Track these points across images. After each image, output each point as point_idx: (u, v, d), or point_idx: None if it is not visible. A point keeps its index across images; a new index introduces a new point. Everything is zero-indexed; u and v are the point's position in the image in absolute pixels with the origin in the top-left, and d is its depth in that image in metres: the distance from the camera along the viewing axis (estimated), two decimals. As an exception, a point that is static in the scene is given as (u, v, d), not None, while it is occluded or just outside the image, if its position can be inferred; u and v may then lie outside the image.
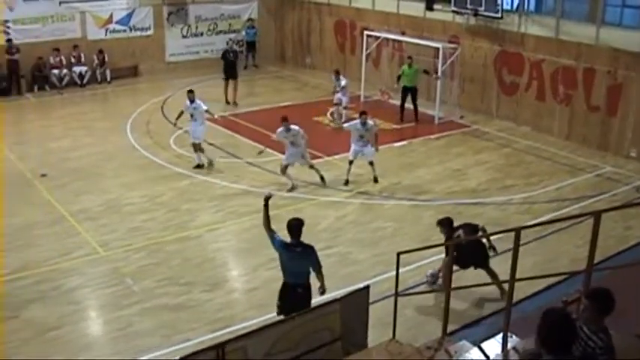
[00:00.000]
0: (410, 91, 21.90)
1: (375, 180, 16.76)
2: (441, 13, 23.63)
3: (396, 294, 10.02)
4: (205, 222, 14.75)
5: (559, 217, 13.53)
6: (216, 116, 19.02)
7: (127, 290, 11.98)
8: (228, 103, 24.12)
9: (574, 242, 13.01)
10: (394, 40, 24.75)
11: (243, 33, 30.07)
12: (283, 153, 16.51)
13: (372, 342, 9.28)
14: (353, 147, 16.66)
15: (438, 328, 9.32)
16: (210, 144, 19.28)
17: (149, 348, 10.24)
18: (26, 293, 11.77)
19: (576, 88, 19.98)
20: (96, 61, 26.76)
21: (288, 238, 9.40)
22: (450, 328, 9.49)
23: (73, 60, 26.40)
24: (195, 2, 29.13)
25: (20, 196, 15.93)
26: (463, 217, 12.36)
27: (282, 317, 8.96)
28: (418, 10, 24.42)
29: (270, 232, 9.56)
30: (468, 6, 21.99)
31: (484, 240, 11.33)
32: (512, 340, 7.96)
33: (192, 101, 17.70)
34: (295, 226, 9.32)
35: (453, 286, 9.51)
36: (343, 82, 21.82)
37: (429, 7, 23.97)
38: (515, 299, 8.34)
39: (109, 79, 27.05)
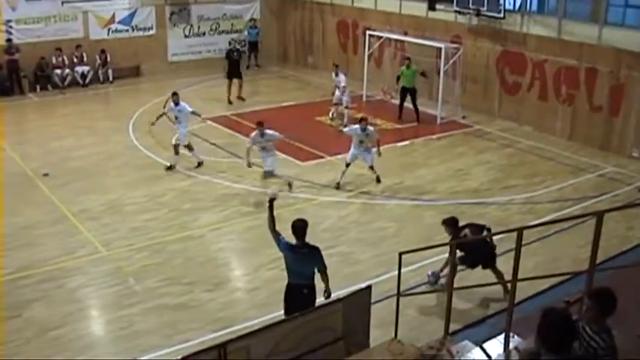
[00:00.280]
0: (409, 92, 21.91)
1: (378, 180, 16.74)
2: (444, 13, 23.62)
3: (398, 294, 10.02)
4: (207, 222, 14.75)
5: (561, 217, 13.50)
6: (202, 117, 18.89)
7: (129, 290, 11.99)
8: (230, 103, 24.14)
9: (576, 242, 12.99)
10: (396, 40, 24.76)
11: (246, 33, 30.06)
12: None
13: (373, 342, 9.27)
14: (352, 151, 16.62)
15: (440, 328, 9.32)
16: (213, 144, 19.30)
17: (151, 348, 10.23)
18: (28, 292, 11.77)
19: (579, 88, 19.96)
20: (98, 61, 26.80)
21: (292, 239, 9.39)
22: (452, 328, 9.49)
23: (75, 60, 26.43)
24: (197, 2, 29.13)
25: (22, 195, 15.94)
26: (465, 217, 12.34)
27: (284, 317, 8.96)
28: (420, 10, 24.41)
29: (276, 234, 9.49)
30: (471, 6, 21.98)
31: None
32: (515, 341, 7.96)
33: (176, 104, 17.59)
34: (300, 227, 9.29)
35: (454, 286, 9.50)
36: (343, 79, 21.80)
37: (432, 7, 23.96)
38: (517, 299, 8.33)
39: (111, 78, 27.07)
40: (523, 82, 21.63)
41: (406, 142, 20.26)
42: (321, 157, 18.52)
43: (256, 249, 13.19)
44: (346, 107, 21.72)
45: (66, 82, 26.15)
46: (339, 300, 8.75)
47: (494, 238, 11.24)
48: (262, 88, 27.19)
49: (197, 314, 11.19)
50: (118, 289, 11.97)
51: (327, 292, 9.56)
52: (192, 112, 17.86)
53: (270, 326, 8.10)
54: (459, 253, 10.94)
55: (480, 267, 11.41)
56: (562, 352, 5.17)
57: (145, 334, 10.61)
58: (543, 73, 20.93)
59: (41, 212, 15.05)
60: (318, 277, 9.52)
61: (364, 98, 24.37)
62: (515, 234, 7.82)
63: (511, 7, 21.83)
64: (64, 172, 17.38)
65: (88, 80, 26.61)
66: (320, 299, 9.51)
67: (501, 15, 21.35)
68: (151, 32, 28.44)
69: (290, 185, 16.24)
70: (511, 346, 7.92)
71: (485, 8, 21.58)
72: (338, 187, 16.46)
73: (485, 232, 11.36)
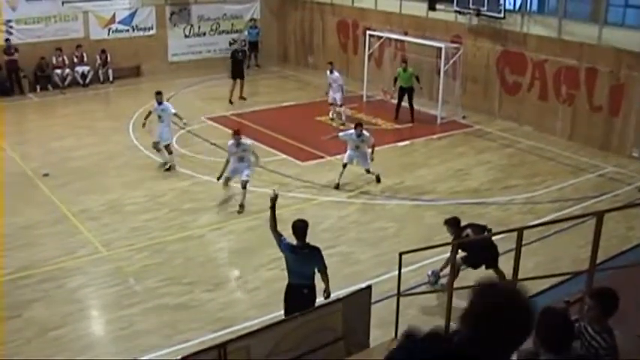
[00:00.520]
0: (406, 91, 21.94)
1: (378, 180, 16.74)
2: (444, 13, 23.62)
3: (398, 294, 10.03)
4: (207, 222, 14.75)
5: (561, 217, 13.50)
6: (184, 121, 18.53)
7: (129, 290, 12.00)
8: (231, 103, 24.14)
9: (576, 242, 12.99)
10: (397, 40, 24.76)
11: (246, 33, 30.05)
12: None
13: (374, 342, 9.29)
14: (349, 152, 16.61)
15: (441, 328, 9.30)
16: (213, 144, 19.29)
17: (151, 348, 10.24)
18: (28, 292, 11.78)
19: (579, 88, 19.96)
20: (98, 61, 26.79)
21: (293, 240, 9.39)
22: (453, 327, 9.49)
23: (75, 60, 26.42)
24: (197, 2, 29.13)
25: (23, 195, 15.94)
26: (466, 217, 12.34)
27: (284, 317, 8.97)
28: (421, 10, 24.41)
29: (277, 235, 9.51)
30: (471, 6, 21.98)
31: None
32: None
33: (159, 103, 17.54)
34: (300, 227, 9.30)
35: (455, 286, 9.50)
36: (338, 77, 21.82)
37: (432, 7, 23.96)
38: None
39: (111, 78, 27.07)
40: (523, 82, 21.62)
41: (406, 142, 20.27)
42: (321, 157, 18.51)
43: (256, 249, 13.19)
44: (340, 105, 21.73)
45: (66, 82, 26.15)
46: (339, 300, 8.76)
47: (495, 238, 11.25)
48: (262, 88, 27.19)
49: (197, 314, 11.20)
50: (118, 289, 11.98)
51: (327, 292, 9.57)
52: (175, 114, 17.72)
53: (270, 326, 8.11)
54: (461, 254, 10.95)
55: (483, 267, 11.41)
56: (562, 352, 5.15)
57: (145, 334, 10.62)
58: (543, 73, 20.93)
59: (41, 212, 15.05)
60: (318, 277, 9.53)
61: (364, 98, 24.37)
62: (515, 234, 7.82)
63: (511, 7, 21.84)
64: (64, 172, 17.38)
65: (88, 80, 26.60)
66: (319, 299, 9.52)
67: (501, 15, 21.35)
68: (152, 32, 28.43)
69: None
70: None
71: (485, 8, 21.58)
72: (337, 187, 16.46)
73: (485, 233, 11.37)
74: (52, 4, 25.90)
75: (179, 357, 7.40)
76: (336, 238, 13.87)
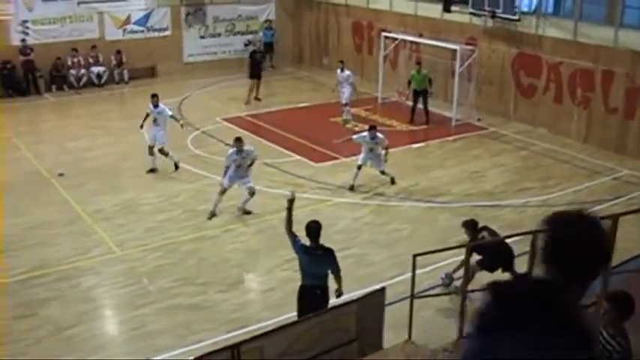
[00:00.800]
0: (420, 94, 21.90)
1: (393, 181, 16.72)
2: (459, 15, 23.54)
3: (412, 296, 10.00)
4: (221, 222, 14.77)
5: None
6: (181, 122, 18.52)
7: (143, 290, 12.03)
8: (248, 103, 24.18)
9: (591, 245, 12.88)
10: (411, 42, 24.72)
11: (261, 34, 30.08)
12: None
13: (387, 343, 9.27)
14: (363, 155, 16.59)
15: (454, 330, 9.29)
16: (227, 144, 19.29)
17: (164, 348, 10.27)
18: (43, 292, 11.85)
19: (594, 90, 19.85)
20: (114, 62, 26.89)
21: (307, 241, 9.39)
22: (467, 330, 9.46)
23: (90, 60, 26.55)
24: (213, 3, 29.18)
25: (37, 195, 16.03)
26: (480, 220, 12.29)
27: (298, 318, 8.97)
28: (435, 11, 24.34)
29: (292, 236, 9.52)
30: (486, 8, 21.90)
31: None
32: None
33: (155, 106, 17.44)
34: (314, 229, 9.31)
35: (469, 288, 9.48)
36: (349, 74, 21.89)
37: (447, 9, 23.88)
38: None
39: (126, 79, 27.18)
40: (538, 85, 21.52)
41: (421, 144, 20.24)
42: (336, 159, 18.50)
43: (270, 250, 13.21)
44: (345, 104, 21.76)
45: (81, 83, 26.27)
46: (353, 301, 8.76)
47: (509, 240, 11.20)
48: (277, 89, 27.21)
49: (211, 315, 11.22)
50: (132, 289, 12.02)
51: (339, 292, 9.57)
52: (172, 117, 17.68)
53: (284, 327, 8.11)
54: (476, 257, 10.90)
55: (500, 270, 11.34)
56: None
57: (159, 335, 10.65)
58: (559, 75, 20.83)
59: (56, 212, 15.13)
60: (331, 278, 9.53)
61: (379, 100, 24.35)
62: (530, 237, 7.79)
63: (526, 9, 21.76)
64: (79, 172, 17.45)
65: (103, 81, 26.72)
66: (332, 299, 9.52)
67: (517, 17, 21.27)
68: (167, 33, 28.50)
69: (213, 215, 15.13)
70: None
71: (500, 10, 21.49)
72: (352, 189, 16.44)
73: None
74: (67, 4, 26.02)
75: (192, 357, 7.41)
76: (351, 240, 13.85)
